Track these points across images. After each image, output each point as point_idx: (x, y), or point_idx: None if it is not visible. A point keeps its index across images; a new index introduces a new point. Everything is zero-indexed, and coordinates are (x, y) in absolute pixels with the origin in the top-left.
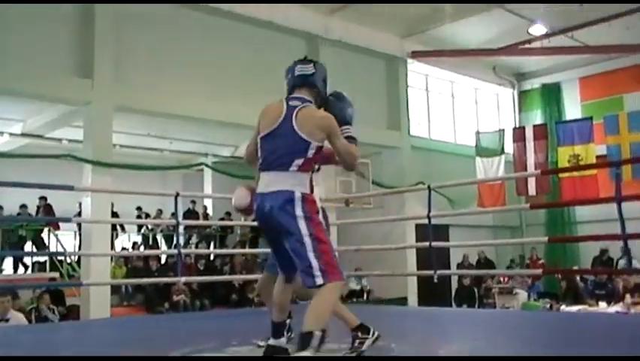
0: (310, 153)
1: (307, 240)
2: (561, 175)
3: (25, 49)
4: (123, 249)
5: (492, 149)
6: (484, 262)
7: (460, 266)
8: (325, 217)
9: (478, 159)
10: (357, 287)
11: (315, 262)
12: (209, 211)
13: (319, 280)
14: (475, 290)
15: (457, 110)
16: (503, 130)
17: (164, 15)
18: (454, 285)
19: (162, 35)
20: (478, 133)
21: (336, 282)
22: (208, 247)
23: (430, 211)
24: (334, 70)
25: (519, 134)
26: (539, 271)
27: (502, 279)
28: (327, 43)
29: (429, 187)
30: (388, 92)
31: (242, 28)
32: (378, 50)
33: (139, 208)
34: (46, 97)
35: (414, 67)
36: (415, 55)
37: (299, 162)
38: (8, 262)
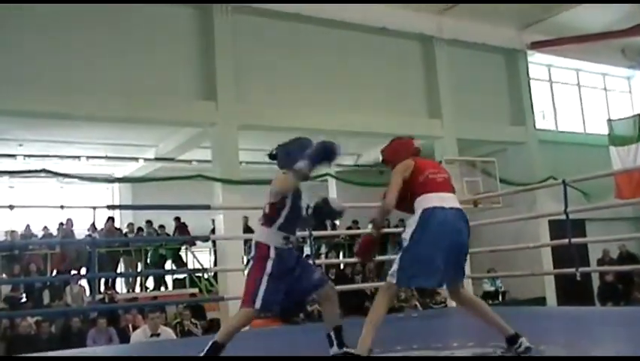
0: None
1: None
2: None
3: (151, 77)
4: None
5: (628, 136)
6: (627, 257)
7: (600, 262)
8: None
9: (612, 148)
10: (492, 288)
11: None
12: (337, 221)
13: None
14: (620, 287)
15: (585, 98)
16: (639, 115)
17: (278, 31)
18: (595, 282)
19: (277, 51)
20: (610, 121)
21: (244, 309)
22: (337, 256)
23: (566, 207)
24: (452, 69)
25: None
26: None
27: None
28: (442, 43)
29: (564, 182)
30: (509, 87)
31: (356, 37)
32: (495, 45)
33: None
34: (175, 122)
35: (535, 58)
36: (535, 46)
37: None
38: (150, 281)
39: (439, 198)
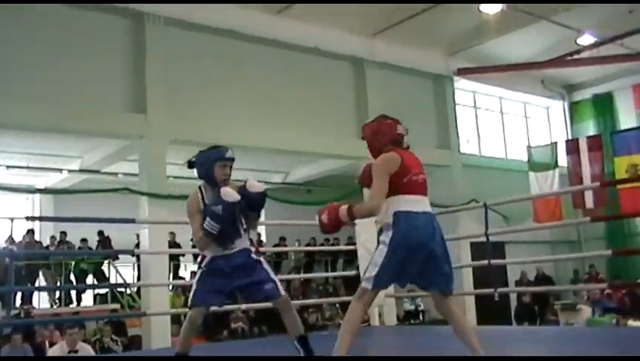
0: None
1: None
2: (619, 186)
3: (80, 87)
4: (181, 278)
5: (545, 163)
6: (543, 279)
7: (518, 284)
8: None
9: (531, 173)
10: (412, 307)
11: None
12: (263, 238)
13: None
14: (536, 308)
15: (507, 125)
16: (556, 143)
17: (212, 46)
18: (513, 303)
19: (211, 66)
20: (529, 147)
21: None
22: None
23: (487, 229)
24: (382, 92)
25: (572, 146)
26: (604, 285)
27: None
28: (373, 65)
29: (485, 205)
30: (437, 111)
31: (289, 56)
32: (424, 70)
33: None
34: (102, 133)
35: (461, 84)
36: (462, 72)
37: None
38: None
39: (415, 202)
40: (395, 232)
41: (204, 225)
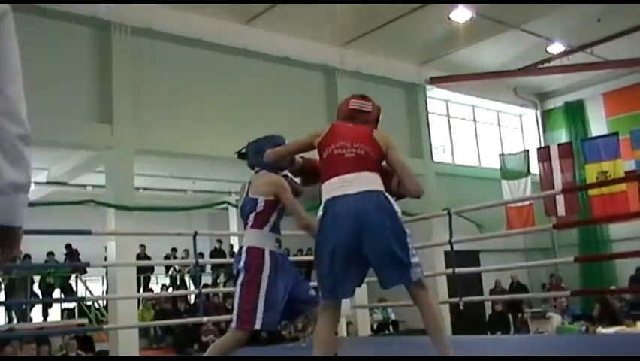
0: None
1: (238, 288)
2: (590, 193)
3: (45, 98)
4: (149, 290)
5: (517, 171)
6: (517, 287)
7: (492, 292)
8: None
9: (504, 181)
10: (383, 317)
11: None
12: (236, 250)
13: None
14: (509, 316)
15: (480, 133)
16: (528, 151)
17: (179, 56)
18: (488, 312)
19: (178, 76)
20: (502, 155)
21: (238, 331)
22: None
23: (451, 237)
24: None
25: (544, 154)
26: (567, 292)
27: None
28: (344, 74)
29: (449, 212)
30: (409, 120)
31: (258, 65)
32: (395, 79)
33: (174, 250)
34: (68, 144)
35: (433, 93)
36: (434, 81)
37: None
38: (38, 310)
39: (337, 185)
40: (319, 230)
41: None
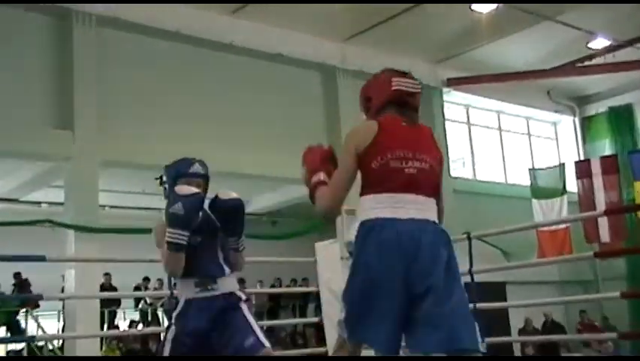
0: None
1: None
2: None
3: None
4: (115, 328)
5: (551, 188)
6: (552, 326)
7: (522, 332)
8: None
9: (534, 201)
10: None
11: None
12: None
13: None
14: None
15: (507, 144)
16: (564, 165)
17: (153, 51)
18: (517, 355)
19: (153, 75)
20: (533, 170)
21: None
22: None
23: (472, 265)
24: (356, 105)
25: (584, 168)
26: (613, 334)
27: None
28: (345, 74)
29: (468, 236)
30: None
31: (246, 63)
32: None
33: (146, 279)
34: (20, 154)
35: (451, 97)
36: (452, 82)
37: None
38: None
39: (393, 204)
40: (356, 256)
41: (166, 237)
